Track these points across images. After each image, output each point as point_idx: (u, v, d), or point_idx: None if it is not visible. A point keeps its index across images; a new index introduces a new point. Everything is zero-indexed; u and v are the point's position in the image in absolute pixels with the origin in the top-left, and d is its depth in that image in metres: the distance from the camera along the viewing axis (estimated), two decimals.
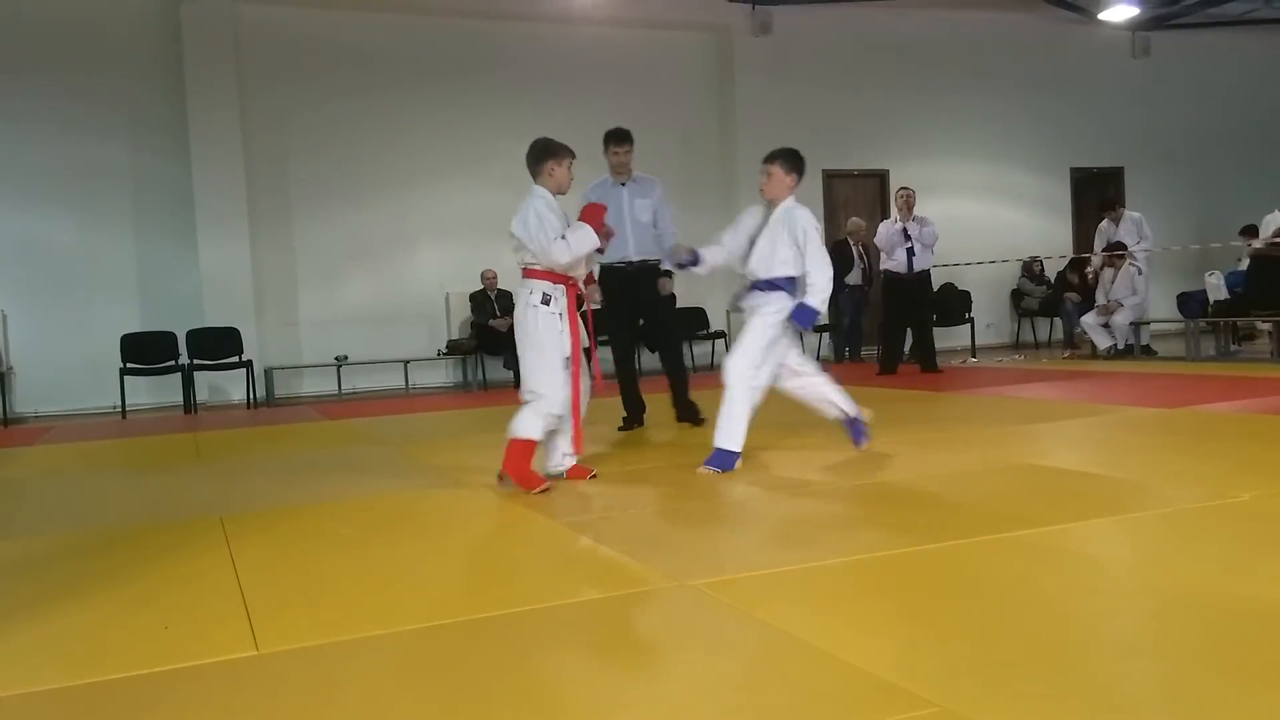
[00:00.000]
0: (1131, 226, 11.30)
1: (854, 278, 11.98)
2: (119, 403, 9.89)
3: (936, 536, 3.17)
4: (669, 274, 6.42)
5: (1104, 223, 11.59)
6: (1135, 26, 14.41)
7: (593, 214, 4.68)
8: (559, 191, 4.74)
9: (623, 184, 6.22)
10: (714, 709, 1.96)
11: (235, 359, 10.37)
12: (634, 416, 6.47)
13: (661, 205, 6.41)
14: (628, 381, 6.48)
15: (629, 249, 6.18)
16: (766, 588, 2.72)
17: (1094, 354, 10.97)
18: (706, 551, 3.19)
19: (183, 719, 2.06)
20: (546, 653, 2.33)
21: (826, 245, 5.37)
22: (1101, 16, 13.07)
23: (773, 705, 1.96)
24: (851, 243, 12.19)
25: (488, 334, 11.13)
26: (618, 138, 6.18)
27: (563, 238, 4.47)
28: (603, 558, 3.20)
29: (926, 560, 2.94)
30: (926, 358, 9.97)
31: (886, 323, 10.31)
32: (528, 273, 4.56)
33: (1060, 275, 12.87)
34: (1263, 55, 15.42)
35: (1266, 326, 10.86)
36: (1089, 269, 11.81)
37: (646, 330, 6.66)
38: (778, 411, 7.44)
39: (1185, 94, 15.06)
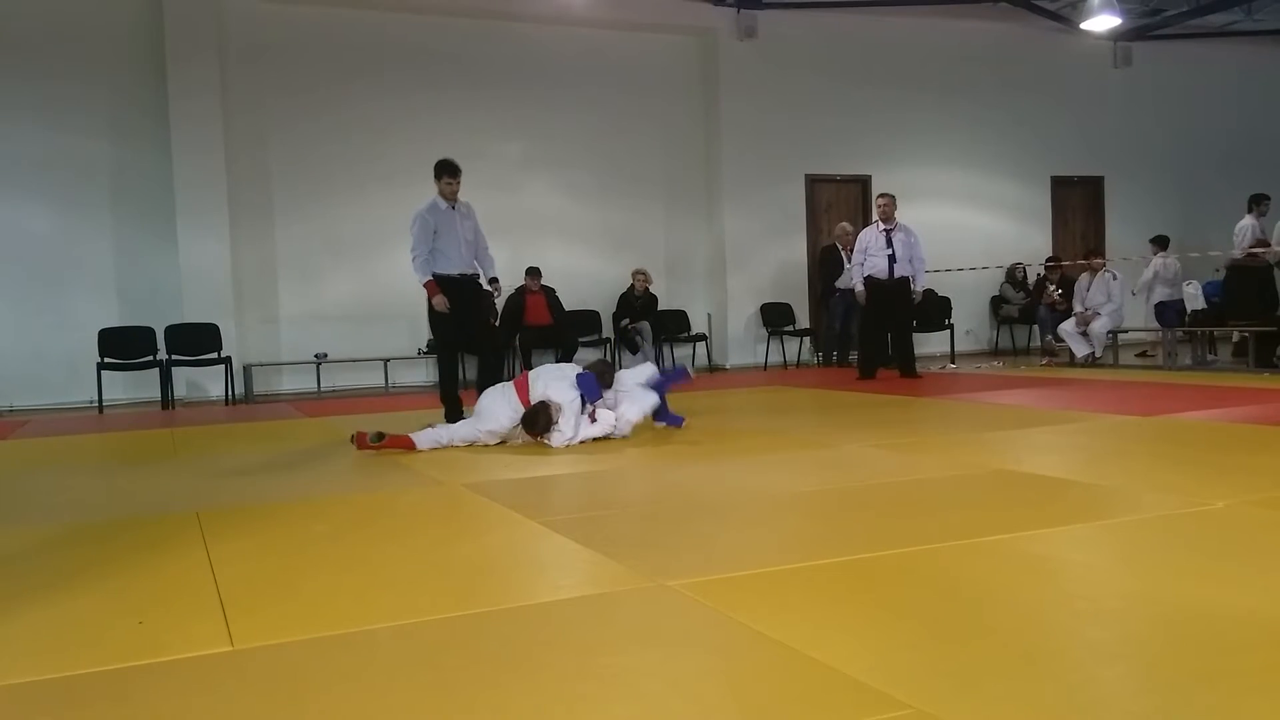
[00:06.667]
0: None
1: (843, 281, 11.98)
2: (96, 397, 9.82)
3: (913, 540, 3.19)
4: (496, 280, 7.47)
5: (1249, 219, 10.94)
6: (1117, 37, 14.51)
7: None
8: None
9: (453, 207, 7.22)
10: (691, 709, 1.97)
11: (214, 355, 10.31)
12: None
13: (479, 226, 7.44)
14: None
15: (464, 264, 7.25)
16: (744, 589, 2.73)
17: (1071, 362, 11.04)
18: (685, 552, 3.19)
19: (156, 713, 2.05)
20: (524, 651, 2.32)
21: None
22: (1083, 26, 13.16)
23: (750, 706, 1.97)
24: (840, 247, 12.22)
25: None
26: (453, 170, 7.23)
27: None
28: (581, 557, 3.19)
29: (903, 564, 2.95)
30: (906, 363, 10.01)
31: (866, 328, 10.34)
32: None
33: (1039, 280, 12.93)
34: (1244, 66, 15.56)
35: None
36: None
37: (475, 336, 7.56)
38: (757, 416, 7.48)
39: (1166, 104, 15.18)
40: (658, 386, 6.28)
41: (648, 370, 6.34)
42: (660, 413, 6.15)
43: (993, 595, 2.64)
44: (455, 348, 7.54)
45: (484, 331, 7.52)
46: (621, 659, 2.26)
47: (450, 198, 7.21)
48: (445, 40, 11.85)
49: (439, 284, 7.18)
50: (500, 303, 7.67)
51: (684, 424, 6.21)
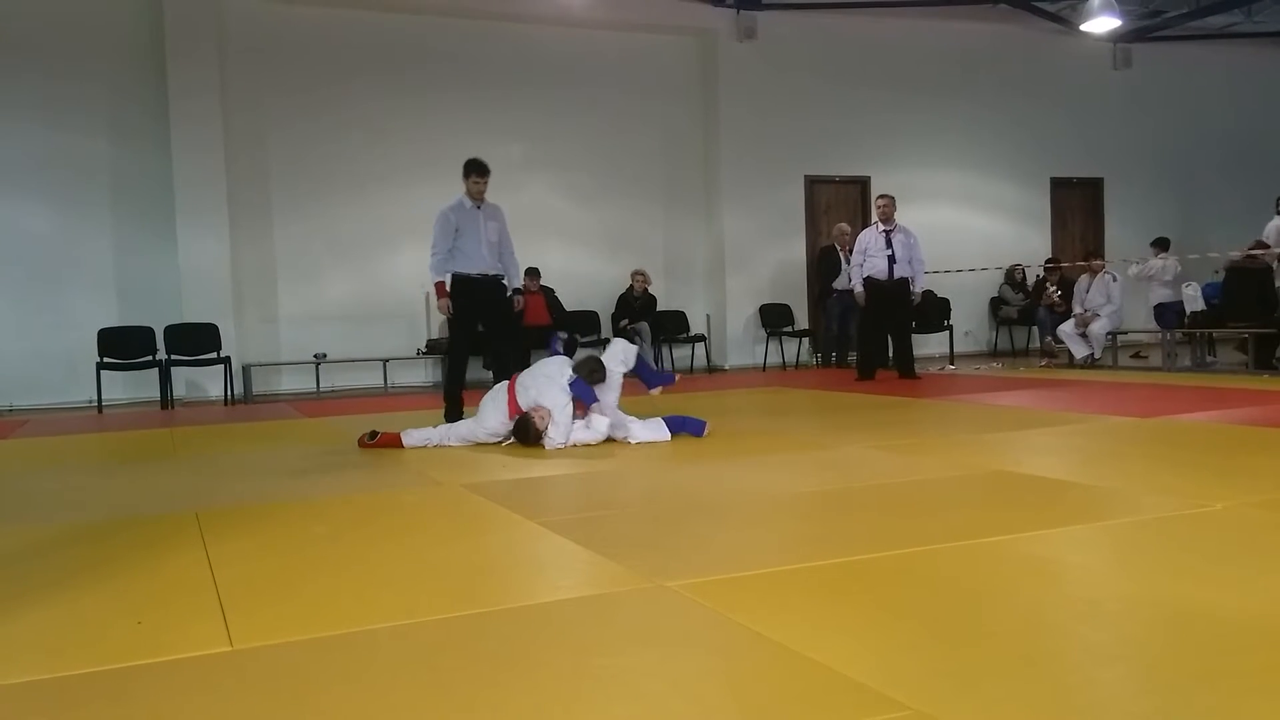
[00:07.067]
0: None
1: (841, 282, 11.98)
2: (95, 397, 9.82)
3: (912, 541, 3.19)
4: (519, 291, 7.41)
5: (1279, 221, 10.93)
6: (1117, 38, 14.53)
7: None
8: None
9: (478, 207, 7.16)
10: (691, 709, 1.96)
11: (213, 355, 10.31)
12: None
13: (505, 228, 7.35)
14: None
15: (485, 264, 7.14)
16: (743, 590, 2.73)
17: (1070, 363, 11.05)
18: (684, 553, 3.19)
19: (154, 713, 2.04)
20: (523, 651, 2.32)
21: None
22: (1083, 28, 13.16)
23: (749, 706, 1.97)
24: (838, 248, 12.23)
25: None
26: (481, 169, 7.15)
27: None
28: (580, 557, 3.19)
29: (901, 565, 2.95)
30: (905, 364, 10.01)
31: (865, 329, 10.34)
32: None
33: (1039, 282, 12.95)
34: (1244, 68, 15.58)
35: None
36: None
37: (493, 336, 7.47)
38: (755, 417, 7.48)
39: (1166, 106, 15.20)
40: (640, 372, 6.28)
41: (618, 348, 6.08)
42: (676, 425, 5.97)
43: (992, 596, 2.64)
44: (466, 348, 7.46)
45: (502, 333, 7.36)
46: (620, 659, 2.26)
47: (477, 197, 7.14)
48: (445, 40, 11.85)
49: (458, 283, 7.10)
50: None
51: (706, 431, 5.91)
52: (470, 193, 7.13)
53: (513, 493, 4.38)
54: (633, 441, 5.72)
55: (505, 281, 7.29)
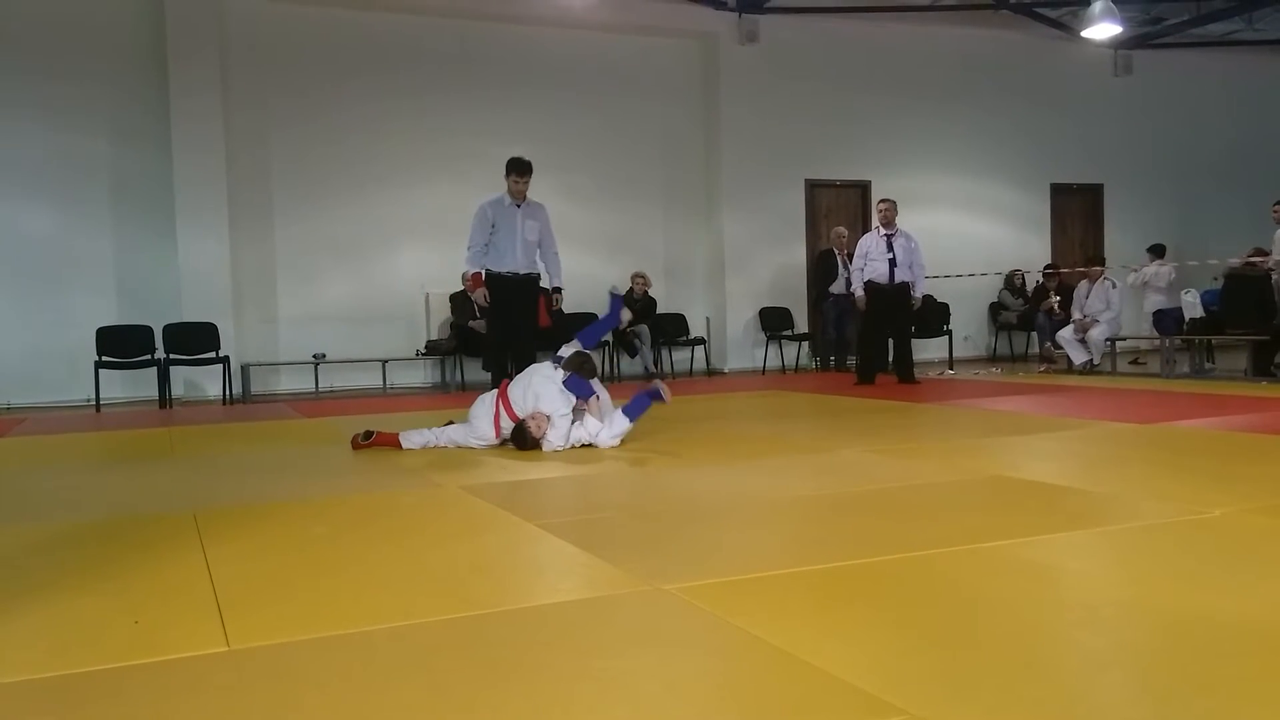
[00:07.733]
0: None
1: (838, 286, 12.01)
2: (93, 396, 9.81)
3: (909, 546, 3.19)
4: (559, 290, 7.45)
5: None
6: (1117, 45, 14.55)
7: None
8: None
9: (518, 205, 7.17)
10: (688, 711, 1.96)
11: (212, 354, 10.31)
12: None
13: (547, 227, 7.42)
14: None
15: (517, 263, 7.18)
16: (741, 593, 2.73)
17: (1069, 369, 11.05)
18: (682, 556, 3.19)
19: (152, 712, 2.04)
20: (521, 653, 2.32)
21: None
22: (1084, 34, 13.17)
23: (747, 709, 1.96)
24: (836, 251, 12.24)
25: (467, 335, 11.11)
26: (520, 168, 7.18)
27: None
28: (578, 560, 3.19)
29: (899, 569, 2.95)
30: (904, 369, 10.01)
31: (865, 333, 10.34)
32: None
33: (1039, 287, 12.96)
34: (1244, 76, 15.60)
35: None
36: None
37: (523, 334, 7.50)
38: (754, 420, 7.48)
39: (1166, 113, 15.22)
40: (587, 339, 6.34)
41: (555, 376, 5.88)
42: (637, 410, 5.83)
43: (990, 601, 2.63)
44: (499, 342, 7.48)
45: (524, 333, 7.32)
46: (619, 662, 2.25)
47: (517, 195, 7.14)
48: (445, 42, 11.86)
49: (488, 280, 7.12)
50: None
51: (666, 394, 5.74)
52: (510, 191, 7.14)
53: (511, 495, 4.38)
54: (603, 446, 5.68)
55: (542, 280, 7.30)
